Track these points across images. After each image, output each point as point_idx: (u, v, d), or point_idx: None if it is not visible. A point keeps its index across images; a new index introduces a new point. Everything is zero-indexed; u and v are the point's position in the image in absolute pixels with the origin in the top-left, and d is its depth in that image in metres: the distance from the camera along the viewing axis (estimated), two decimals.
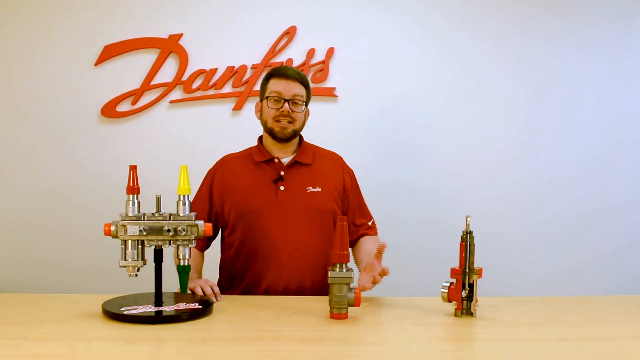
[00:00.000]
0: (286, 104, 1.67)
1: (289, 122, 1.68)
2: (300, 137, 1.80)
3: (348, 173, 1.83)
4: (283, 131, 1.69)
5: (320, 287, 1.68)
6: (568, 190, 2.61)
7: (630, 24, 2.59)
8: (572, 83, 2.60)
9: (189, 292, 1.52)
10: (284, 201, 1.69)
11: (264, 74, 1.77)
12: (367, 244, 1.76)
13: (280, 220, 1.67)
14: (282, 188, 1.70)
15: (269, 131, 1.71)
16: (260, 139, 1.80)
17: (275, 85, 1.69)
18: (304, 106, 1.71)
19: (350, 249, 1.82)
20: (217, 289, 1.54)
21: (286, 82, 1.68)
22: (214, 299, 1.50)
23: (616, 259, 2.62)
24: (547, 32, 2.58)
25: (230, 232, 1.74)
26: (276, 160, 1.74)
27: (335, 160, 1.84)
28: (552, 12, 2.57)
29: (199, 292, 1.52)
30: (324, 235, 1.70)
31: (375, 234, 1.84)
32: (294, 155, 1.75)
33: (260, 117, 1.75)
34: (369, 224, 1.84)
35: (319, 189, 1.72)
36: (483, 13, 2.56)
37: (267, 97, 1.70)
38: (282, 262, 1.66)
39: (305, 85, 1.72)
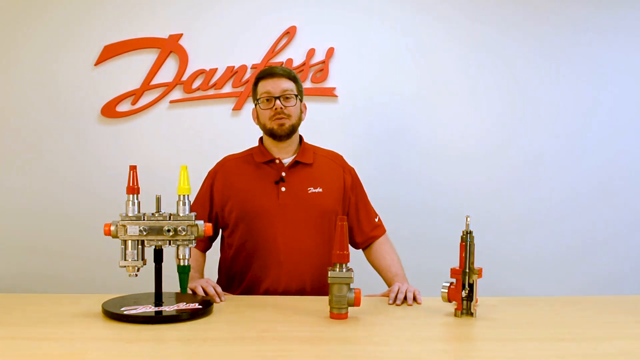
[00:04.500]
0: (277, 101, 1.67)
1: (284, 118, 1.68)
2: (301, 138, 1.80)
3: (349, 172, 1.83)
4: (281, 127, 1.69)
5: (320, 289, 1.68)
6: (572, 208, 2.61)
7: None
8: (580, 102, 2.60)
9: (189, 292, 1.52)
10: (285, 202, 1.69)
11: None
12: (385, 257, 1.78)
13: (281, 222, 1.67)
14: (283, 189, 1.70)
15: (269, 132, 1.71)
16: (261, 139, 1.80)
17: (264, 86, 1.70)
18: (296, 100, 1.71)
19: (362, 251, 1.85)
20: (219, 289, 1.54)
21: (273, 80, 1.69)
22: (217, 300, 1.50)
23: (622, 279, 2.63)
24: (535, 34, 2.59)
25: (231, 232, 1.74)
26: (277, 161, 1.74)
27: (335, 160, 1.84)
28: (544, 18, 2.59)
29: (200, 292, 1.52)
30: (325, 236, 1.69)
31: (384, 231, 1.85)
32: (294, 156, 1.75)
33: (258, 122, 1.75)
34: (376, 220, 1.85)
35: (320, 190, 1.72)
36: (480, 13, 2.57)
37: (258, 100, 1.71)
38: (283, 264, 1.66)
39: (293, 79, 1.72)
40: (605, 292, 2.59)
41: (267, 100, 1.69)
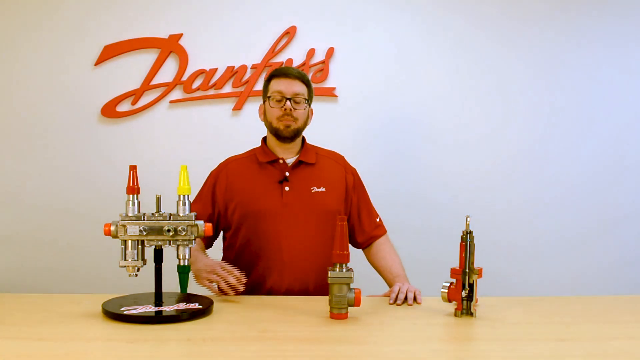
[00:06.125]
0: (288, 102, 1.68)
1: (291, 120, 1.69)
2: (303, 138, 1.81)
3: (350, 172, 1.84)
4: (287, 129, 1.69)
5: (323, 288, 1.67)
6: (572, 199, 2.61)
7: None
8: (578, 91, 2.60)
9: (206, 283, 1.51)
10: (289, 202, 1.69)
11: (264, 75, 1.78)
12: (387, 257, 1.78)
13: (285, 221, 1.68)
14: (286, 189, 1.70)
15: (274, 131, 1.72)
16: (264, 140, 1.81)
17: (277, 85, 1.70)
18: (305, 104, 1.72)
19: (362, 250, 1.85)
20: (237, 272, 1.52)
21: (287, 81, 1.70)
22: (240, 288, 1.50)
23: (620, 270, 2.62)
24: (553, 37, 2.58)
25: (234, 233, 1.74)
26: (281, 161, 1.74)
27: (337, 160, 1.85)
28: (562, 12, 2.59)
29: (215, 288, 1.51)
30: (328, 235, 1.68)
31: (385, 232, 1.86)
32: (297, 156, 1.76)
33: (265, 119, 1.75)
34: (377, 220, 1.85)
35: (323, 189, 1.73)
36: (480, 13, 2.56)
37: (269, 97, 1.71)
38: (286, 263, 1.66)
39: (306, 83, 1.73)
40: (606, 285, 2.60)
41: (278, 100, 1.69)
